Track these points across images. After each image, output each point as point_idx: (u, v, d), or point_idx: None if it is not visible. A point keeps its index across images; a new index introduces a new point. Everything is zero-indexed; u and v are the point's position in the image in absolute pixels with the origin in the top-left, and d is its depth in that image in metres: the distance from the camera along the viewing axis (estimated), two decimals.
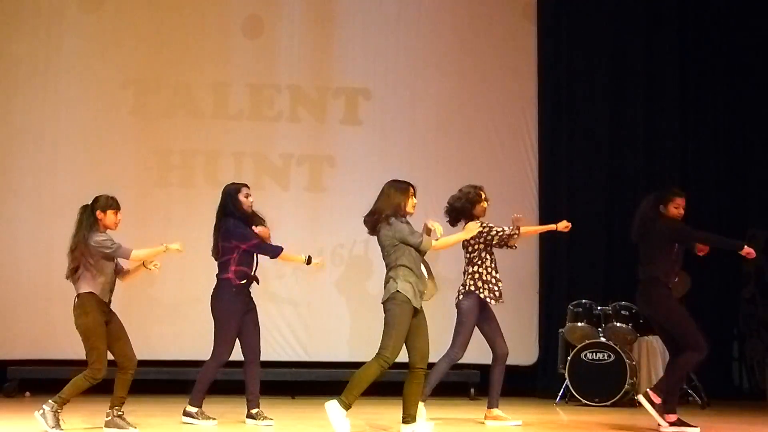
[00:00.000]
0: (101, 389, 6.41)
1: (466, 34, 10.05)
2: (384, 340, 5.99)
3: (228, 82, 9.72)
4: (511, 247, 7.36)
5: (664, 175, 9.99)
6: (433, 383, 7.09)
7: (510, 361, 7.39)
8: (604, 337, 8.96)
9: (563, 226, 7.36)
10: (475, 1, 10.17)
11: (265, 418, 6.87)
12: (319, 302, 9.56)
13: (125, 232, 6.52)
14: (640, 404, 6.81)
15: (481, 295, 7.08)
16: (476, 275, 7.13)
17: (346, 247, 9.59)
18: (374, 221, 6.15)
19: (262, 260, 7.15)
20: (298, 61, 9.82)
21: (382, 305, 6.07)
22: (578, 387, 8.76)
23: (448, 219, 7.24)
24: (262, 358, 7.08)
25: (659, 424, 6.69)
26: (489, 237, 7.09)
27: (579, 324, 9.07)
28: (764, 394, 9.69)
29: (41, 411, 6.17)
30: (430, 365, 6.50)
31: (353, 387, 5.97)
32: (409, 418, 6.07)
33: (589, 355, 8.79)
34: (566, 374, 8.88)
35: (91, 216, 6.34)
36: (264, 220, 7.05)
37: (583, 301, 9.16)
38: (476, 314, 7.12)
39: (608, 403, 8.65)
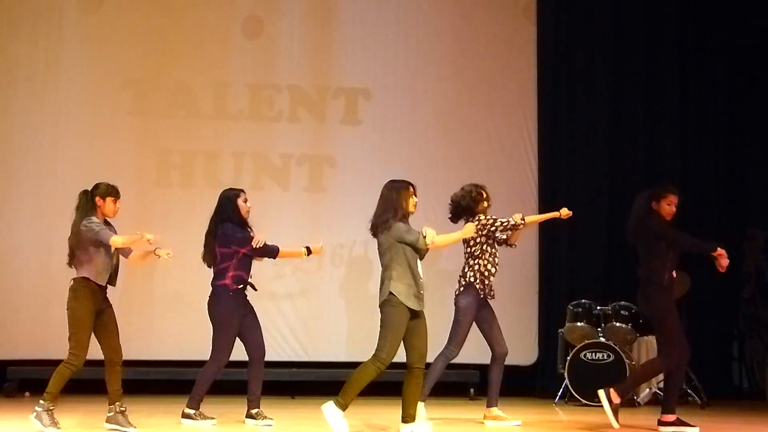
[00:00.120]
0: (96, 389, 6.39)
1: (466, 34, 10.05)
2: (380, 342, 6.01)
3: (228, 82, 9.72)
4: (510, 245, 7.39)
5: (664, 175, 9.94)
6: (431, 382, 7.10)
7: (509, 361, 7.40)
8: (603, 337, 8.96)
9: (565, 213, 7.36)
10: (475, 1, 10.16)
11: (264, 418, 6.87)
12: (319, 302, 9.56)
13: (125, 232, 6.49)
14: (639, 403, 6.80)
15: (478, 287, 7.08)
16: (475, 266, 7.14)
17: (346, 247, 9.59)
18: (376, 226, 6.14)
19: (262, 261, 7.16)
20: (297, 61, 9.82)
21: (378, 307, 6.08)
22: (578, 387, 8.75)
23: (450, 216, 7.25)
24: None
25: (611, 426, 6.58)
26: (492, 228, 7.09)
27: (578, 324, 9.07)
28: (764, 394, 9.70)
29: (34, 413, 6.17)
30: (429, 364, 6.50)
31: (349, 388, 5.98)
32: (408, 417, 6.08)
33: (589, 355, 8.79)
34: (566, 374, 8.87)
35: (89, 201, 6.36)
36: (251, 228, 7.01)
37: (583, 301, 9.16)
38: (474, 312, 7.13)
39: None
